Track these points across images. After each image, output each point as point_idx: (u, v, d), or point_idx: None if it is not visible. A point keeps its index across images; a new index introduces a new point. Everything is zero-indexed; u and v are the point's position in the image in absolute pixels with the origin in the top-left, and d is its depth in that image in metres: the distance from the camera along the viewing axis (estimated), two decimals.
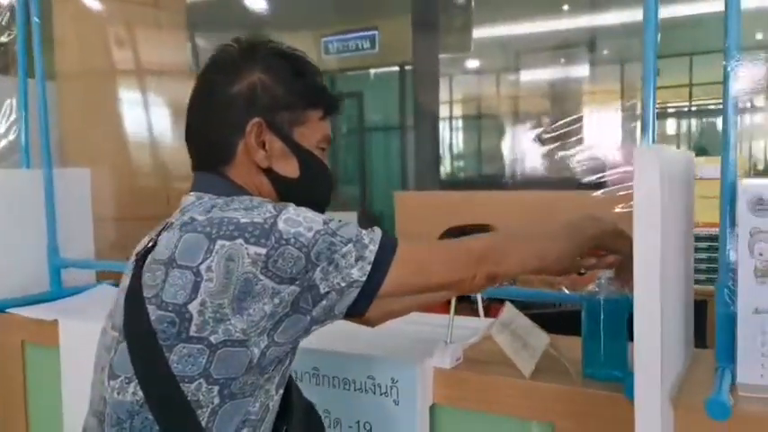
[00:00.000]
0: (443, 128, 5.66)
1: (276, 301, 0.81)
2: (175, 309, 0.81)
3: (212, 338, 0.81)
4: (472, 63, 6.57)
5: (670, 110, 7.44)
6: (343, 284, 0.83)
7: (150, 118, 3.11)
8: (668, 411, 0.88)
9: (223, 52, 0.96)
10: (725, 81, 0.97)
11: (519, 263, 0.93)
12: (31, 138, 1.94)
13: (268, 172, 0.95)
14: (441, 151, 5.35)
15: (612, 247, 0.96)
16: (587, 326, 1.08)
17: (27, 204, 1.83)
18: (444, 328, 1.22)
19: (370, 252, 0.84)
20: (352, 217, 5.94)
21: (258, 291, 0.80)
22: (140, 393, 0.84)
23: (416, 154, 5.16)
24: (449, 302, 1.22)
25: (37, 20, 1.86)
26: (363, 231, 0.86)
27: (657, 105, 1.07)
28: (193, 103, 0.97)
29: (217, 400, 0.83)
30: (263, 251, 0.80)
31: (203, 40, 5.61)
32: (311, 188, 0.99)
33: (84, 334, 1.54)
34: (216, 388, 0.82)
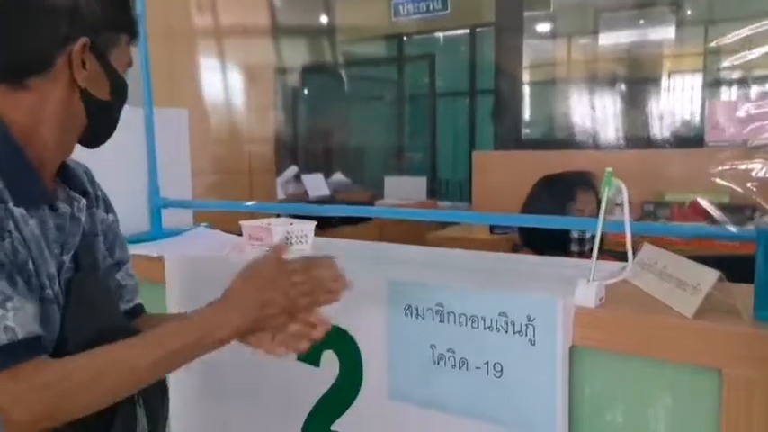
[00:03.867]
0: (523, 90, 5.45)
1: None
2: None
3: None
4: (545, 26, 6.29)
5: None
6: None
7: (230, 78, 3.13)
8: None
9: None
10: None
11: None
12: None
13: (83, 93, 0.92)
14: (520, 114, 5.15)
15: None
16: (762, 261, 0.96)
17: (127, 142, 1.81)
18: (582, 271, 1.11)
19: None
20: (420, 183, 5.85)
21: None
22: None
23: (494, 116, 4.95)
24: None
25: None
26: None
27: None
28: (3, 8, 0.90)
29: None
30: None
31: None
32: (117, 113, 1.00)
33: (189, 269, 1.52)
34: None
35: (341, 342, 1.28)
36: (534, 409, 1.08)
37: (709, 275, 0.98)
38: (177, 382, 1.55)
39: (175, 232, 1.86)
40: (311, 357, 1.32)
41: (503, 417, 1.11)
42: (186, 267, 1.52)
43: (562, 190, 1.89)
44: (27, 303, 0.83)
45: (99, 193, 1.09)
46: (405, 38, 7.56)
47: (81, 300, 0.93)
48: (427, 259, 1.48)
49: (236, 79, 3.46)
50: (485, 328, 1.11)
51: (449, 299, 1.15)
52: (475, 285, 1.15)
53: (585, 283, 1.08)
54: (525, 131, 5.21)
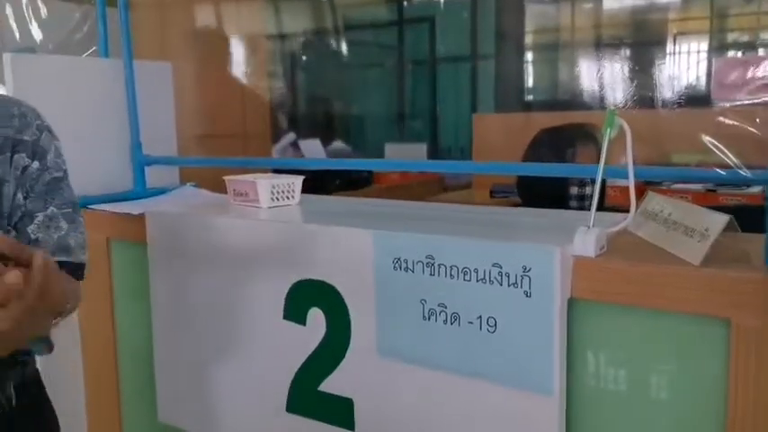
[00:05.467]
0: (525, 53, 5.33)
1: None
2: None
3: None
4: None
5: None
6: None
7: (224, 41, 3.05)
8: None
9: None
10: None
11: None
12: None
13: None
14: (522, 78, 5.04)
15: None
16: None
17: (108, 96, 1.73)
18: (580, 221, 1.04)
19: None
20: (420, 149, 5.75)
21: None
22: None
23: (495, 80, 4.83)
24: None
25: None
26: None
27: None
28: None
29: None
30: None
31: None
32: None
33: (171, 228, 1.45)
34: None
35: (327, 299, 1.21)
36: (530, 364, 1.01)
37: (719, 219, 0.91)
38: (163, 342, 1.50)
39: (160, 191, 1.79)
40: (297, 315, 1.26)
41: (497, 373, 1.05)
42: (168, 225, 1.46)
43: (561, 142, 1.81)
44: None
45: (27, 138, 0.98)
46: (405, 1, 7.39)
47: None
48: (418, 213, 1.41)
49: (231, 43, 3.37)
50: (477, 281, 1.05)
51: (439, 250, 1.08)
52: (467, 236, 1.08)
53: (585, 231, 1.01)
54: (528, 96, 5.11)
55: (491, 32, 5.95)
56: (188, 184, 1.85)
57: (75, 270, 1.00)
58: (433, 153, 6.41)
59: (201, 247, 1.39)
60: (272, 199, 1.44)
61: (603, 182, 1.12)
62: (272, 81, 6.05)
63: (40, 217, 0.98)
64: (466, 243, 1.06)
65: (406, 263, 1.12)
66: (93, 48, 1.87)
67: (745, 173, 0.97)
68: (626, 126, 0.99)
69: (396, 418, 1.17)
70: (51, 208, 0.99)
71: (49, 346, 0.79)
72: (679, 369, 0.94)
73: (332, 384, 1.23)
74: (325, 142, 5.62)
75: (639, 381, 0.98)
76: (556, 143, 1.80)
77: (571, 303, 1.01)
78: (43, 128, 1.01)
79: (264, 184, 1.43)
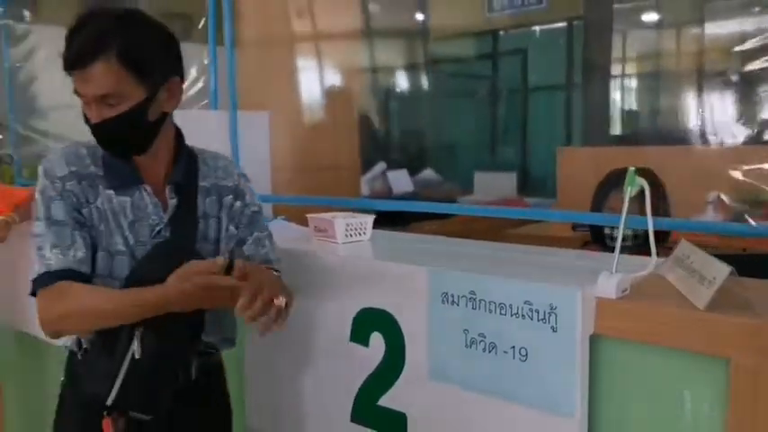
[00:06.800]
0: (615, 84, 5.30)
1: None
2: None
3: None
4: (641, 17, 6.06)
5: None
6: None
7: (324, 80, 3.29)
8: None
9: None
10: None
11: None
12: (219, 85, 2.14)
13: None
14: (611, 109, 5.02)
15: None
16: None
17: (214, 142, 2.02)
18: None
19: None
20: (510, 179, 5.83)
21: None
22: None
23: (583, 111, 4.88)
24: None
25: None
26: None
27: None
28: None
29: None
30: None
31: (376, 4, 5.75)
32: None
33: None
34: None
35: (386, 325, 1.40)
36: (555, 390, 1.15)
37: (722, 270, 1.02)
38: (252, 356, 1.73)
39: None
40: (361, 338, 1.45)
41: (527, 397, 1.19)
42: None
43: (607, 185, 1.92)
44: (77, 251, 1.18)
45: (230, 184, 1.35)
46: (498, 33, 7.53)
47: (152, 258, 1.21)
48: (469, 251, 1.57)
49: (326, 80, 3.64)
50: (511, 315, 1.20)
51: (480, 287, 1.24)
52: (504, 275, 1.24)
53: (608, 275, 1.14)
54: (614, 126, 5.09)
55: (585, 63, 5.96)
56: (279, 217, 2.11)
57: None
58: (524, 182, 6.47)
59: (285, 275, 1.62)
60: (347, 235, 1.66)
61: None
62: (365, 113, 6.35)
63: (249, 240, 1.35)
64: (502, 282, 1.22)
65: (453, 297, 1.29)
66: (205, 101, 2.18)
67: (753, 223, 1.07)
68: (645, 184, 1.12)
69: None
70: (256, 233, 1.37)
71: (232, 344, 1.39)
72: (683, 402, 1.05)
73: (389, 400, 1.41)
74: (416, 171, 5.84)
75: (650, 411, 1.09)
76: (604, 187, 1.91)
77: (595, 339, 1.14)
78: (240, 175, 1.38)
79: (340, 223, 1.65)
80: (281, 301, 1.13)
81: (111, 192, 1.23)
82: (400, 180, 4.73)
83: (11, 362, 2.53)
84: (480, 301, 1.25)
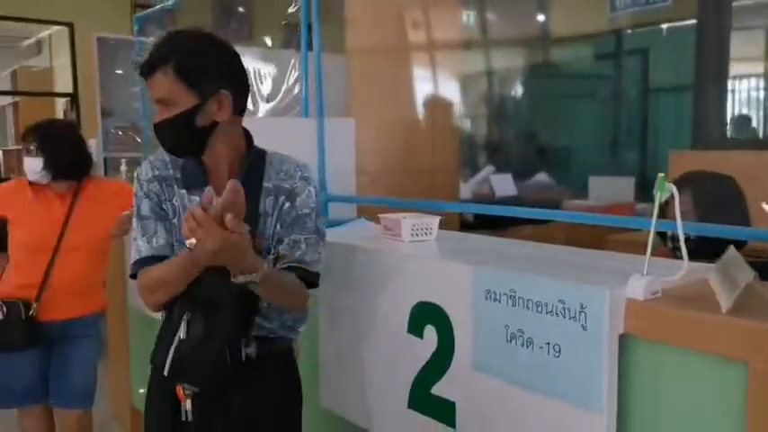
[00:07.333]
0: (727, 85, 4.96)
1: None
2: None
3: None
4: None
5: None
6: None
7: (435, 90, 3.34)
8: None
9: None
10: None
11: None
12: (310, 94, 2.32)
13: None
14: (724, 111, 4.72)
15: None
16: None
17: (304, 147, 2.21)
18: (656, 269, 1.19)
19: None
20: (627, 183, 5.61)
21: None
22: None
23: (698, 113, 4.61)
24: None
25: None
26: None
27: None
28: None
29: None
30: None
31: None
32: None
33: (335, 251, 1.85)
34: None
35: (439, 319, 1.50)
36: (585, 386, 1.20)
37: (746, 274, 1.03)
38: (327, 342, 1.89)
39: (338, 223, 2.22)
40: (417, 330, 1.56)
41: (560, 391, 1.24)
42: (332, 250, 1.85)
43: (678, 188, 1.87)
44: (159, 239, 1.41)
45: (287, 186, 1.47)
46: (619, 33, 7.27)
47: None
48: (515, 251, 1.63)
49: (429, 87, 3.71)
50: (546, 313, 1.26)
51: (519, 285, 1.31)
52: (541, 275, 1.30)
53: (638, 277, 1.17)
54: (730, 130, 4.77)
55: (709, 64, 5.64)
56: (362, 217, 2.26)
57: (310, 276, 1.45)
58: (642, 187, 6.21)
59: (353, 268, 1.77)
60: (413, 234, 1.77)
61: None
62: (472, 117, 6.38)
63: (286, 240, 1.44)
64: (537, 280, 1.28)
65: (495, 294, 1.37)
66: (297, 108, 2.38)
67: None
68: (675, 190, 1.14)
69: (486, 421, 1.41)
70: (295, 235, 1.44)
71: (292, 331, 1.53)
72: (704, 403, 1.06)
73: (440, 389, 1.51)
74: (529, 175, 5.79)
75: (674, 410, 1.11)
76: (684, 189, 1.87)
77: (624, 339, 1.18)
78: (302, 178, 1.49)
79: (407, 223, 1.77)
80: (191, 242, 1.22)
81: (185, 191, 1.44)
82: (503, 183, 4.74)
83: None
84: (519, 298, 1.32)
